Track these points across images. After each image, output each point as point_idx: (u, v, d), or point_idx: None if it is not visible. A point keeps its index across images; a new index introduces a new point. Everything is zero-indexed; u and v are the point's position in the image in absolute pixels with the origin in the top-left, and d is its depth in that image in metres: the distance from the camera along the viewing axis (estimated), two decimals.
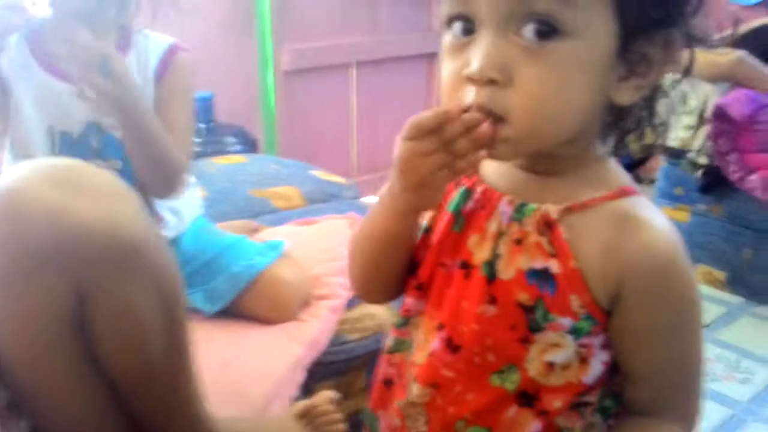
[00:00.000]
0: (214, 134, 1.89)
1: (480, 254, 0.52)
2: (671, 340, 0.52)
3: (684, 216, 1.87)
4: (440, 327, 0.54)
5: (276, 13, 2.06)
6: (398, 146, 0.48)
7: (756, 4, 1.82)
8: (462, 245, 0.54)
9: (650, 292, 0.49)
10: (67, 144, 0.97)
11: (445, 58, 0.49)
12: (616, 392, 0.55)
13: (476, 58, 0.45)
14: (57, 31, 0.85)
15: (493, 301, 0.51)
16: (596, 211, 0.50)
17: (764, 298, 1.76)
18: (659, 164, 1.95)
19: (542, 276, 0.50)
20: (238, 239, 1.11)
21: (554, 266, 0.49)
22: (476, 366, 0.53)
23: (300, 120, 2.25)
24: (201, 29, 1.88)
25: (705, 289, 1.80)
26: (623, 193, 0.51)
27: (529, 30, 0.44)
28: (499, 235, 0.52)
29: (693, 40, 0.49)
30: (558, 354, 0.50)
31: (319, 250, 1.19)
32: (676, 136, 1.77)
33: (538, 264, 0.50)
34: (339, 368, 1.01)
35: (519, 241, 0.51)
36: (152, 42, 1.01)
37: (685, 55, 0.49)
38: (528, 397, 0.52)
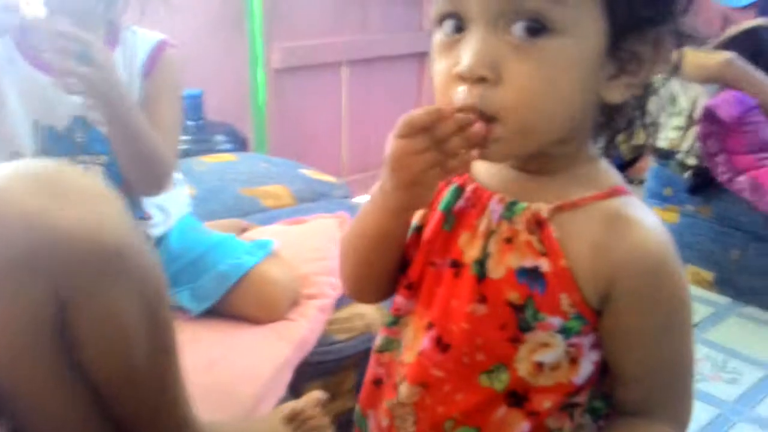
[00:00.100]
0: (204, 132, 1.88)
1: (470, 253, 0.52)
2: (662, 340, 0.52)
3: (673, 217, 1.88)
4: (430, 326, 0.54)
5: (267, 10, 2.05)
6: (390, 144, 0.48)
7: (746, 6, 1.83)
8: (452, 244, 0.54)
9: (641, 292, 0.49)
10: (53, 138, 0.96)
11: (437, 57, 0.49)
12: (606, 393, 0.55)
13: (466, 55, 0.45)
14: (44, 25, 0.84)
15: (483, 300, 0.51)
16: (587, 211, 0.50)
17: (751, 298, 1.77)
18: (648, 165, 1.96)
19: (532, 275, 0.50)
20: (225, 237, 1.10)
21: (544, 265, 0.49)
22: (465, 365, 0.52)
23: (290, 118, 2.24)
24: (191, 26, 1.86)
25: (693, 290, 1.81)
26: (614, 192, 0.51)
27: (518, 28, 0.44)
28: (489, 233, 0.52)
29: (683, 39, 0.49)
30: (548, 354, 0.50)
31: (308, 249, 1.19)
32: (665, 137, 1.78)
33: (528, 263, 0.50)
34: (328, 368, 1.01)
35: (509, 240, 0.51)
36: (140, 38, 1.00)
37: (675, 53, 0.49)
38: (517, 397, 0.52)
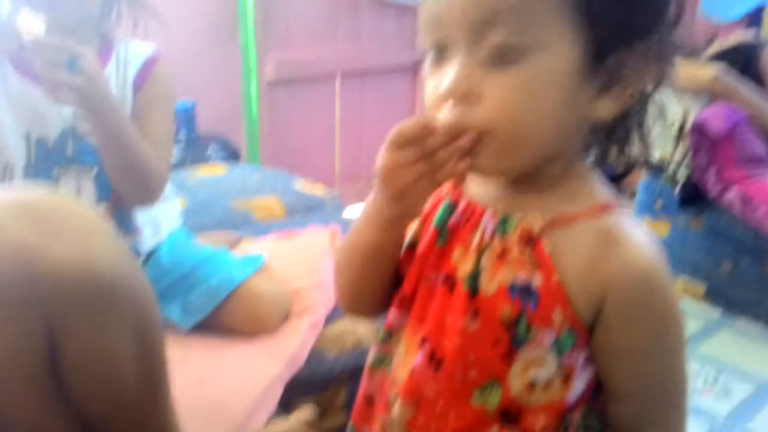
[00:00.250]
0: (196, 144, 1.88)
1: (464, 267, 0.52)
2: (653, 356, 0.52)
3: (664, 229, 1.89)
4: (423, 341, 0.54)
5: (260, 23, 2.06)
6: (381, 156, 0.49)
7: (735, 20, 1.85)
8: (446, 259, 0.54)
9: (632, 308, 0.49)
10: (43, 150, 0.96)
11: (427, 77, 0.51)
12: (600, 411, 0.54)
13: (447, 78, 0.48)
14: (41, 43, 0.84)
15: (475, 315, 0.51)
16: (579, 227, 0.50)
17: (743, 310, 1.78)
18: (640, 178, 1.97)
19: (525, 290, 0.50)
20: (216, 252, 1.10)
21: (537, 280, 0.49)
22: (458, 382, 0.52)
23: (283, 130, 2.25)
24: (184, 38, 1.87)
25: (685, 302, 1.82)
26: (606, 208, 0.51)
27: (488, 56, 0.46)
28: (483, 248, 0.52)
29: (672, 50, 0.49)
30: (540, 371, 0.50)
31: (299, 263, 1.18)
32: (656, 150, 1.79)
33: (521, 277, 0.50)
34: (319, 384, 1.00)
35: (502, 255, 0.51)
36: (132, 51, 1.00)
37: (664, 65, 0.50)
38: (510, 416, 0.52)
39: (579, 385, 0.51)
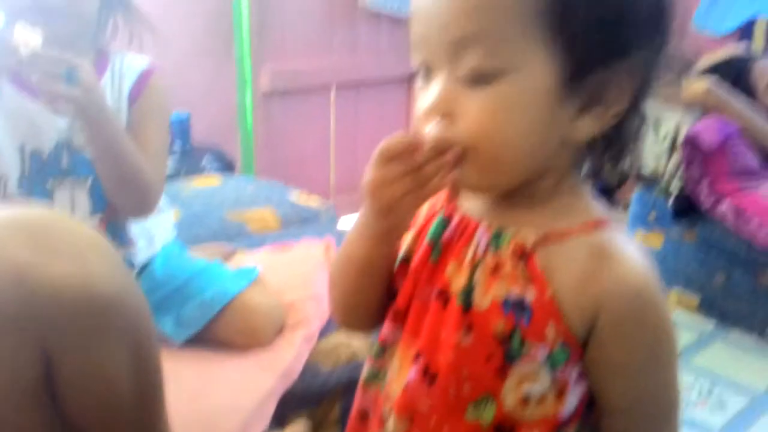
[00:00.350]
0: (191, 155, 1.88)
1: (457, 282, 0.52)
2: (646, 371, 0.52)
3: (658, 241, 1.90)
4: (417, 356, 0.54)
5: (255, 34, 2.06)
6: (368, 171, 0.50)
7: (726, 34, 1.87)
8: (440, 273, 0.54)
9: (624, 324, 0.49)
10: (37, 163, 0.96)
11: (418, 95, 0.52)
12: (594, 426, 0.54)
13: (429, 97, 0.50)
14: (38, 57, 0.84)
15: (468, 330, 0.51)
16: (572, 242, 0.50)
17: (736, 322, 1.78)
18: (633, 190, 1.98)
19: (518, 305, 0.50)
20: (209, 265, 1.09)
21: (530, 295, 0.50)
22: (452, 397, 0.52)
23: (278, 142, 2.25)
24: (179, 49, 1.87)
25: (678, 314, 1.82)
26: (599, 224, 0.51)
27: (466, 76, 0.48)
28: (476, 263, 0.52)
29: (658, 69, 0.50)
30: (534, 386, 0.50)
31: (293, 276, 1.18)
32: (649, 163, 1.80)
33: (514, 292, 0.50)
34: (313, 398, 1.00)
35: (495, 270, 0.51)
36: (127, 64, 1.01)
37: (650, 85, 0.50)
38: (504, 431, 0.51)
39: (572, 399, 0.51)
